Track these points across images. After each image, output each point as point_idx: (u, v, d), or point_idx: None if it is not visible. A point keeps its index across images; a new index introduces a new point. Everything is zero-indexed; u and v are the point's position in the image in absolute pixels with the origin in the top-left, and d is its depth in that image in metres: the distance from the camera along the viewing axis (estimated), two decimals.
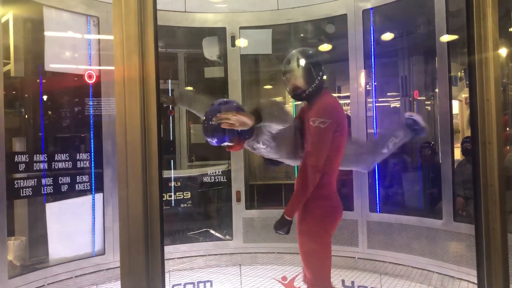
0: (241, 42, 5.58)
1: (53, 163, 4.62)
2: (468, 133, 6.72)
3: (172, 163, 6.38)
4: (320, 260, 2.92)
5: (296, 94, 2.96)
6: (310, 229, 2.90)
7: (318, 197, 2.87)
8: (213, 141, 2.66)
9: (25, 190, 4.37)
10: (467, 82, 4.84)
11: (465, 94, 7.20)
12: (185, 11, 5.47)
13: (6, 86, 4.19)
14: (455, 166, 4.74)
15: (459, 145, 5.83)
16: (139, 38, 1.71)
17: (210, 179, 5.80)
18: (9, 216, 4.25)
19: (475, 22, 2.05)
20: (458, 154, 5.47)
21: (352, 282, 4.59)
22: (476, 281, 2.28)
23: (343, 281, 4.58)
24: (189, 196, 5.90)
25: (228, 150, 2.84)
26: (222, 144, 2.72)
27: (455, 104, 7.39)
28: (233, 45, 5.54)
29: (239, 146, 2.79)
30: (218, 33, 5.75)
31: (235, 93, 5.54)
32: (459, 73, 6.28)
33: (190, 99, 3.53)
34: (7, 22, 4.58)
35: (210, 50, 5.94)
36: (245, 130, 2.64)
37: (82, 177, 4.81)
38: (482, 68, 2.05)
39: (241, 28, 5.56)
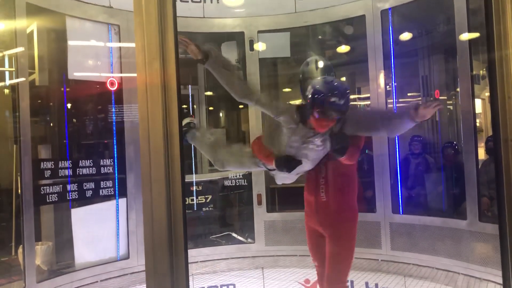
0: (260, 46, 5.61)
1: (77, 169, 4.72)
2: (491, 132, 6.61)
3: (193, 167, 6.42)
4: (351, 258, 3.22)
5: None
6: (352, 233, 3.21)
7: (354, 203, 3.25)
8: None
9: (51, 196, 4.47)
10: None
11: (488, 93, 7.08)
12: (204, 17, 5.53)
13: (31, 95, 4.32)
14: (480, 166, 4.67)
15: (483, 144, 5.74)
16: (160, 45, 1.76)
17: (231, 183, 5.83)
18: (36, 221, 4.37)
19: (495, 19, 2.03)
20: (482, 154, 5.39)
21: (376, 285, 4.56)
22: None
23: (366, 283, 4.55)
24: (211, 200, 5.94)
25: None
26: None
27: (478, 103, 7.28)
28: (252, 49, 5.57)
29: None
30: (237, 38, 5.79)
31: None
32: (481, 71, 6.18)
33: (221, 63, 2.97)
34: (31, 33, 4.70)
35: (229, 55, 5.98)
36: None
37: (106, 183, 4.89)
38: (502, 65, 2.02)
39: (259, 32, 5.59)
